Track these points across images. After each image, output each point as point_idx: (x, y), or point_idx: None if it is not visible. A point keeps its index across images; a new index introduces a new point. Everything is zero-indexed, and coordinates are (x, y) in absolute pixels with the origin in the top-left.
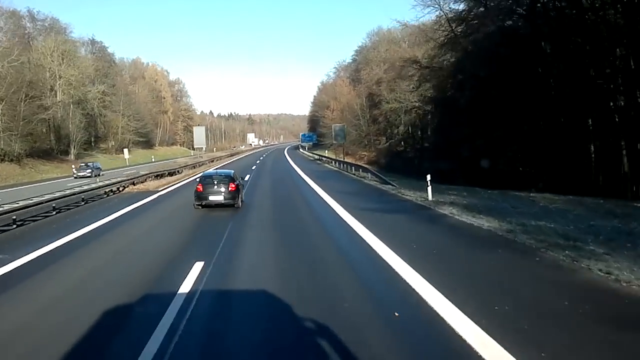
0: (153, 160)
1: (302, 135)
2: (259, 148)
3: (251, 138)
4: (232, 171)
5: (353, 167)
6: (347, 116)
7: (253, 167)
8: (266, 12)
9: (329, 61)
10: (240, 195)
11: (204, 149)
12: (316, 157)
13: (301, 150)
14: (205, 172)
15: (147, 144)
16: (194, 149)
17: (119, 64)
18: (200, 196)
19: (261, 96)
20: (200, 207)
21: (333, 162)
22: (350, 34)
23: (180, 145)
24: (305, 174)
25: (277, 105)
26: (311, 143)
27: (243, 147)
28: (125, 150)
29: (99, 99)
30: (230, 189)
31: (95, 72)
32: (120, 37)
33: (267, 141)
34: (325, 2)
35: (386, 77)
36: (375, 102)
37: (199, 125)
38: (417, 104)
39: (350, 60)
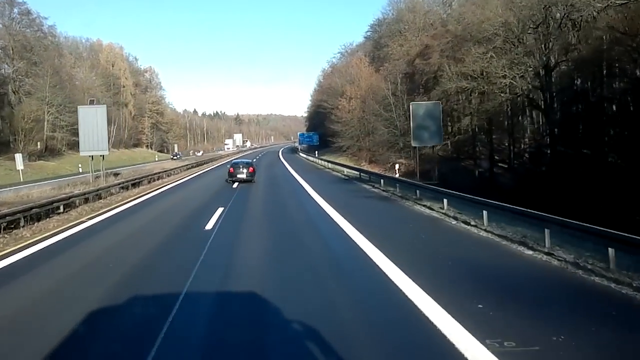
0: (80, 170)
1: (300, 136)
2: (245, 151)
3: (232, 140)
4: (251, 160)
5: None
6: (371, 105)
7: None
8: (255, 9)
9: (320, 60)
10: (256, 175)
11: (201, 152)
12: (333, 166)
13: (302, 154)
14: (233, 160)
15: None
16: (167, 152)
17: (64, 41)
18: (231, 175)
19: (250, 96)
20: (231, 181)
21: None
22: (342, 31)
23: (147, 147)
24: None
25: (267, 106)
26: (306, 145)
27: (223, 150)
28: (18, 158)
29: (14, 81)
30: (249, 170)
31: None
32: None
33: (246, 144)
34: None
35: (440, 44)
36: (419, 85)
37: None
38: (516, 83)
39: (364, 39)
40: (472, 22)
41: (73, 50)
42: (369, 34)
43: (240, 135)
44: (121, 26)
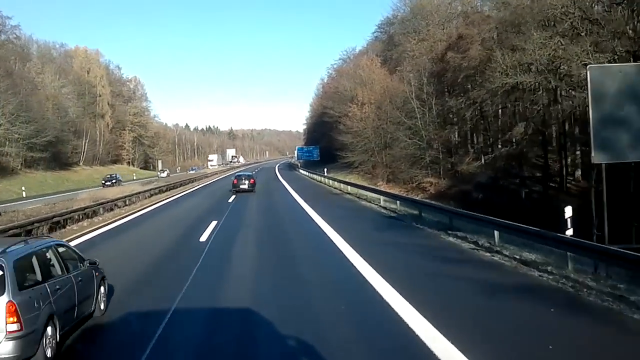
0: (24, 194)
1: (298, 150)
2: (236, 167)
3: (216, 156)
4: (252, 173)
5: None
6: (390, 111)
7: None
8: (250, 25)
9: (316, 74)
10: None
11: (165, 172)
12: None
13: (302, 171)
14: (237, 172)
15: (57, 162)
16: (152, 169)
17: (35, 47)
18: (235, 185)
19: (244, 111)
20: (235, 192)
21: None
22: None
23: (128, 163)
24: None
25: (262, 121)
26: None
27: (211, 167)
28: None
29: None
30: (250, 182)
31: None
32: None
33: (239, 159)
34: (312, 15)
35: (480, 32)
36: (450, 84)
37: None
38: None
39: (372, 40)
40: (523, 4)
41: (44, 55)
42: (376, 34)
43: (234, 150)
44: (114, 38)
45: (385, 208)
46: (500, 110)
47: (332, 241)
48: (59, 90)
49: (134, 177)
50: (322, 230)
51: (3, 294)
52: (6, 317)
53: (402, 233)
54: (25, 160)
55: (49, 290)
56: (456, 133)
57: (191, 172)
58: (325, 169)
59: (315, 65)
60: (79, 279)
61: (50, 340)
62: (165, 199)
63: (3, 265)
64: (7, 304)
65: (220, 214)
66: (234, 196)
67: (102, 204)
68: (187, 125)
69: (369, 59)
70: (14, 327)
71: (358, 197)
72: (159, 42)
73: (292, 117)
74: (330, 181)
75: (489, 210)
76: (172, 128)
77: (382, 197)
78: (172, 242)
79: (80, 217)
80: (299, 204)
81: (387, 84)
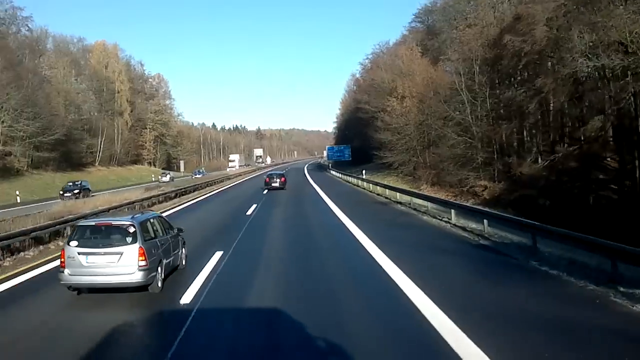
0: (19, 199)
1: (328, 150)
2: (258, 169)
3: (237, 156)
4: (284, 171)
5: None
6: (434, 105)
7: None
8: (278, 23)
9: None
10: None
11: (168, 176)
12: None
13: (333, 172)
14: (268, 171)
15: (69, 162)
16: (177, 169)
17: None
18: (267, 184)
19: (272, 110)
20: (267, 189)
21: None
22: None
23: (150, 164)
24: None
25: (290, 120)
26: (335, 160)
27: (230, 168)
28: None
29: None
30: (281, 180)
31: None
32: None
33: (266, 159)
34: (342, 9)
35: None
36: (508, 72)
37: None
38: None
39: (408, 31)
40: None
41: (60, 49)
42: (413, 24)
43: (261, 150)
44: (140, 36)
45: (464, 228)
46: (566, 103)
47: (421, 314)
48: (73, 85)
49: (152, 179)
50: (393, 282)
51: (136, 242)
52: (138, 257)
53: (531, 290)
54: (33, 161)
55: (158, 244)
56: (514, 129)
57: (197, 175)
58: (364, 171)
59: (345, 62)
60: (173, 240)
61: (161, 276)
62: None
63: (135, 224)
64: (139, 248)
65: (238, 231)
66: (252, 208)
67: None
68: (213, 125)
69: (408, 47)
70: (143, 263)
71: (415, 210)
72: (187, 40)
73: (321, 116)
74: (371, 185)
75: (577, 223)
76: (198, 127)
77: (453, 211)
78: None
79: None
80: (341, 221)
81: (429, 74)
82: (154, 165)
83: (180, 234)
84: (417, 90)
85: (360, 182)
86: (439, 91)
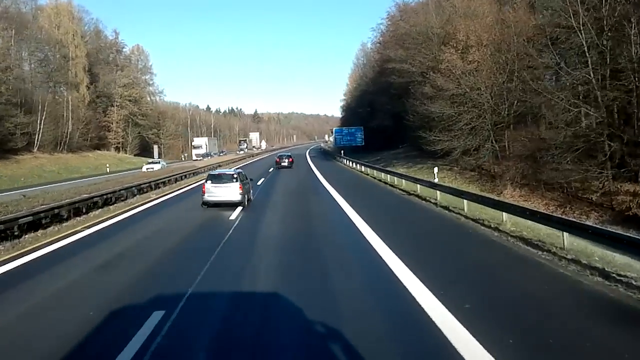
0: None
1: (335, 132)
2: (245, 157)
3: (204, 140)
4: (290, 153)
5: None
6: (521, 58)
7: None
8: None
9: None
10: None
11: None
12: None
13: (348, 162)
14: (279, 153)
15: None
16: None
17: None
18: (277, 163)
19: (270, 94)
20: (277, 168)
21: None
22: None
23: (117, 149)
24: None
25: (288, 104)
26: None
27: (196, 159)
28: None
29: None
30: (289, 160)
31: None
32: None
33: (261, 144)
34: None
35: None
36: None
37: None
38: None
39: None
40: None
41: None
42: None
43: (257, 134)
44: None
45: None
46: None
47: None
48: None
49: (107, 170)
50: None
51: (238, 182)
52: (239, 189)
53: None
54: None
55: (245, 185)
56: None
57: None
58: (394, 164)
59: (346, 44)
60: (249, 184)
61: (245, 199)
62: None
63: (235, 173)
64: (239, 185)
65: None
66: None
67: None
68: (208, 108)
69: None
70: (240, 192)
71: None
72: (183, 18)
73: (321, 100)
74: (437, 194)
75: None
76: (185, 108)
77: None
78: None
79: None
80: None
81: (502, 17)
82: (124, 151)
83: (250, 182)
84: (489, 35)
85: (403, 183)
86: (526, 39)
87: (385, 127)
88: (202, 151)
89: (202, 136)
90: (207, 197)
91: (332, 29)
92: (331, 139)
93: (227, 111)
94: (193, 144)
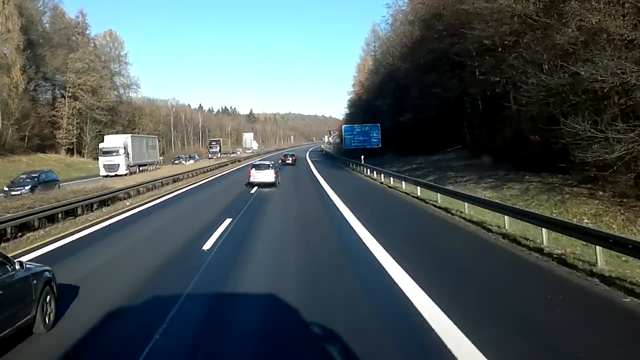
0: None
1: (345, 131)
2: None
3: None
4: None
5: None
6: None
7: None
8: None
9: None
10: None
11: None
12: None
13: (370, 172)
14: (284, 152)
15: None
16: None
17: None
18: (283, 162)
19: (267, 94)
20: (282, 165)
21: None
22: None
23: (68, 151)
24: None
25: (285, 104)
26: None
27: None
28: None
29: None
30: (293, 159)
31: None
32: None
33: (213, 150)
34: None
35: None
36: None
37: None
38: None
39: None
40: None
41: None
42: None
43: (251, 134)
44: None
45: None
46: None
47: None
48: None
49: None
50: None
51: (273, 169)
52: (274, 174)
53: None
54: None
55: (277, 171)
56: None
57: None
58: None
59: (346, 45)
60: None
61: (278, 181)
62: None
63: (271, 163)
64: (274, 171)
65: None
66: None
67: None
68: (200, 106)
69: None
70: (275, 176)
71: None
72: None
73: (319, 101)
74: None
75: None
76: (168, 105)
77: None
78: None
79: None
80: None
81: None
82: (77, 154)
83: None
84: None
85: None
86: None
87: (422, 122)
88: (117, 159)
89: (188, 138)
90: (252, 179)
91: (332, 28)
92: (330, 139)
93: (221, 110)
94: (101, 145)
